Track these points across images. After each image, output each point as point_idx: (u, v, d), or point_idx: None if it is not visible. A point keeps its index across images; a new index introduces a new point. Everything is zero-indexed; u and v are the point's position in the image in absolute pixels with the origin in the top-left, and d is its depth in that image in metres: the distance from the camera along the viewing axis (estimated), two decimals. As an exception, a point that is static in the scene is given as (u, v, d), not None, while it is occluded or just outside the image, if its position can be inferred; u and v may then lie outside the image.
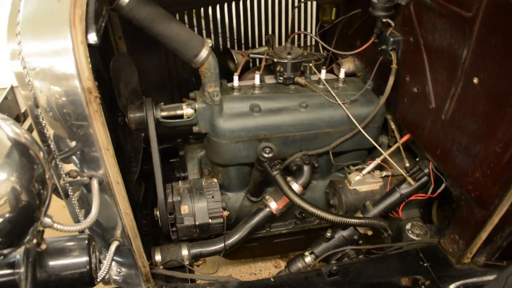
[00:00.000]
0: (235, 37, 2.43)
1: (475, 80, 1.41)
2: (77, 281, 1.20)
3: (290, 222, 2.16)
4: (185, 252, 1.83)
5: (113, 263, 1.67)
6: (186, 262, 1.82)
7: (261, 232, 2.11)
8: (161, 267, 1.79)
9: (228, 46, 2.43)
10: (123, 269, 1.67)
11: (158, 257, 1.81)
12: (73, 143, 1.28)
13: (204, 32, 2.32)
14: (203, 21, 2.29)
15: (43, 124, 1.22)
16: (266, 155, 1.72)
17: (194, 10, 2.21)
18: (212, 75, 1.74)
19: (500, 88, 1.33)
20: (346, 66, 2.24)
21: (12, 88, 1.34)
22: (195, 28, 2.28)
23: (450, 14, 1.48)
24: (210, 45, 1.68)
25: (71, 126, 1.23)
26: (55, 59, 1.13)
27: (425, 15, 1.62)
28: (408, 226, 1.93)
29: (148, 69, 2.23)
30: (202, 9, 2.24)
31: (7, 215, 0.95)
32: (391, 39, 1.80)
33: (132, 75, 1.71)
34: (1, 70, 2.04)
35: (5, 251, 1.02)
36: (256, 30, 2.45)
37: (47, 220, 1.10)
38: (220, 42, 2.41)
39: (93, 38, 1.18)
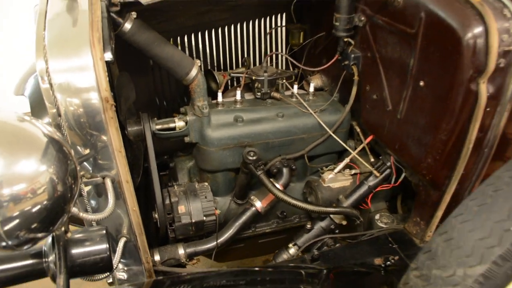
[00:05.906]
0: (215, 60, 2.69)
1: (421, 83, 1.72)
2: (98, 266, 1.37)
3: (273, 222, 2.38)
4: (181, 251, 2.01)
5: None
6: (183, 260, 2.00)
7: (247, 232, 2.32)
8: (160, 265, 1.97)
9: (209, 68, 2.69)
10: (126, 267, 1.84)
11: (157, 257, 1.98)
12: (87, 150, 1.48)
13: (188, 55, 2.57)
14: (186, 46, 2.55)
15: (64, 132, 1.43)
16: (251, 158, 1.96)
17: (178, 37, 2.47)
18: (201, 91, 1.99)
19: (441, 87, 1.64)
20: (315, 82, 2.54)
21: None
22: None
23: (398, 31, 1.80)
24: (199, 64, 1.94)
25: (86, 134, 1.43)
26: (78, 74, 1.35)
27: (378, 33, 1.95)
28: (377, 216, 2.20)
29: (137, 91, 2.44)
30: (185, 36, 2.50)
31: (44, 202, 1.08)
32: (352, 55, 2.11)
33: (131, 93, 1.93)
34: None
35: (39, 235, 1.17)
36: (233, 53, 2.73)
37: (74, 209, 1.29)
38: (202, 65, 2.66)
39: (108, 56, 1.41)
